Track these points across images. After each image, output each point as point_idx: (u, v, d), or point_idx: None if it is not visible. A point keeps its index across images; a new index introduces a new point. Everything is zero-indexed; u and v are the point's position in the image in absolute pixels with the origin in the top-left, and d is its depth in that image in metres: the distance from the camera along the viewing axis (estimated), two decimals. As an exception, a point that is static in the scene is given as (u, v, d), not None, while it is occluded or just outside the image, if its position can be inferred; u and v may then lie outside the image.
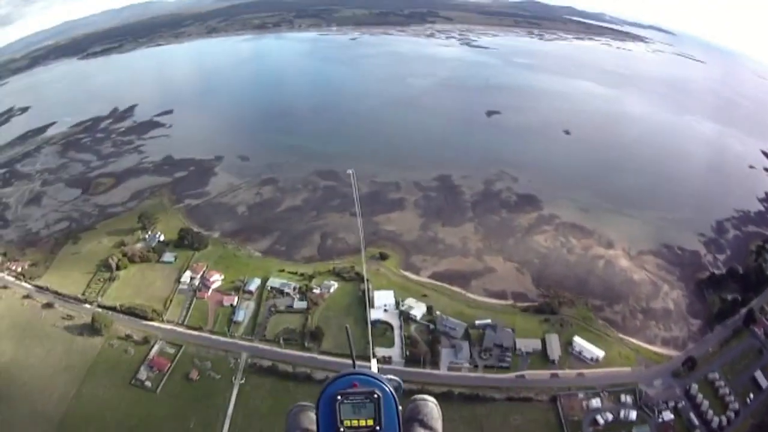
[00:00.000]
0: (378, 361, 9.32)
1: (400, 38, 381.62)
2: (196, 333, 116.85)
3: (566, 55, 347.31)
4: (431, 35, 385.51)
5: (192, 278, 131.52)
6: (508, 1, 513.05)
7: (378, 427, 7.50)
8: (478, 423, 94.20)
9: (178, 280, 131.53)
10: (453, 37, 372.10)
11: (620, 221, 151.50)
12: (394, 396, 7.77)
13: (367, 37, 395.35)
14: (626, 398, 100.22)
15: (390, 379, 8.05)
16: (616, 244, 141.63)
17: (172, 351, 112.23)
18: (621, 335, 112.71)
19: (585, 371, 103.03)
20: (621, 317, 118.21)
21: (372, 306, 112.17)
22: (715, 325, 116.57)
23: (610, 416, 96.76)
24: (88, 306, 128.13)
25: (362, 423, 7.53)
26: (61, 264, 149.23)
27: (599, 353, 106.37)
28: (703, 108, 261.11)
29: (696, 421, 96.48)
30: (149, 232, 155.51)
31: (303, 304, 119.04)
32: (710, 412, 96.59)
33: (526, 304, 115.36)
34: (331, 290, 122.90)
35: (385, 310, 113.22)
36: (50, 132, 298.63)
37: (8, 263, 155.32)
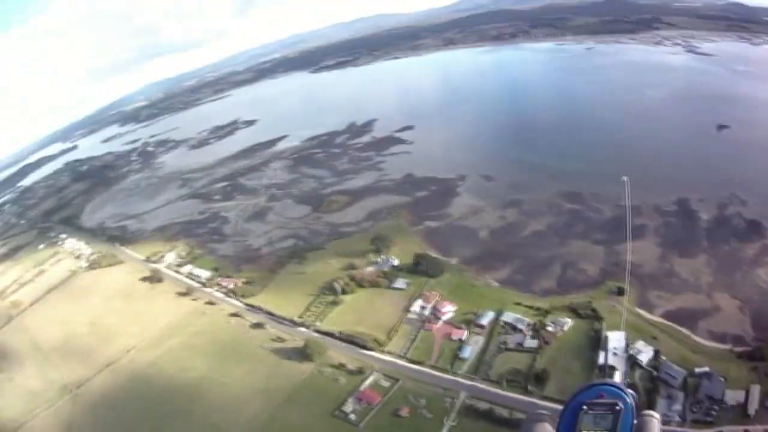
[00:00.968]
0: None
1: (631, 47, 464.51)
2: (416, 367, 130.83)
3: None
4: (659, 42, 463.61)
5: (422, 308, 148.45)
6: (716, 3, 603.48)
7: None
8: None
9: (407, 309, 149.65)
10: (678, 44, 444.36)
11: None
12: (633, 410, 10.22)
13: (602, 47, 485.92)
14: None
15: (632, 394, 10.54)
16: None
17: (386, 384, 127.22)
18: None
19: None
20: None
21: (603, 348, 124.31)
22: None
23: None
24: (303, 329, 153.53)
25: None
26: (281, 284, 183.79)
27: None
28: None
29: None
30: (382, 256, 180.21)
31: (534, 343, 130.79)
32: None
33: (741, 348, 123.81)
34: (565, 328, 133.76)
35: (615, 354, 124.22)
36: (280, 146, 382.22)
37: (219, 279, 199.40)
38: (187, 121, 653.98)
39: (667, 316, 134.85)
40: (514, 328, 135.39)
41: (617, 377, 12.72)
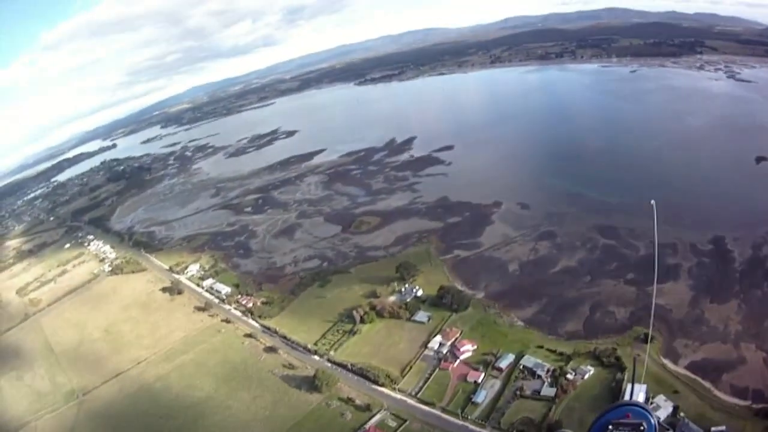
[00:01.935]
0: None
1: (675, 71, 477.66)
2: (426, 408, 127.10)
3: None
4: (701, 67, 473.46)
5: (441, 344, 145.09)
6: (755, 28, 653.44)
7: None
8: None
9: (425, 345, 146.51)
10: (720, 69, 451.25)
11: None
12: (656, 431, 11.39)
13: (645, 70, 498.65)
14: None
15: (657, 416, 11.71)
16: None
17: (393, 424, 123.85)
18: None
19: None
20: None
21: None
22: None
23: None
24: (316, 358, 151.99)
25: None
26: (300, 307, 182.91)
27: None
28: None
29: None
30: (406, 285, 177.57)
31: (552, 391, 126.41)
32: None
33: (760, 405, 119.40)
34: (586, 377, 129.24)
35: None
36: (317, 160, 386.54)
37: (239, 297, 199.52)
38: (228, 128, 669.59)
39: (691, 367, 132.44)
40: (533, 374, 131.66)
41: (641, 398, 14.32)
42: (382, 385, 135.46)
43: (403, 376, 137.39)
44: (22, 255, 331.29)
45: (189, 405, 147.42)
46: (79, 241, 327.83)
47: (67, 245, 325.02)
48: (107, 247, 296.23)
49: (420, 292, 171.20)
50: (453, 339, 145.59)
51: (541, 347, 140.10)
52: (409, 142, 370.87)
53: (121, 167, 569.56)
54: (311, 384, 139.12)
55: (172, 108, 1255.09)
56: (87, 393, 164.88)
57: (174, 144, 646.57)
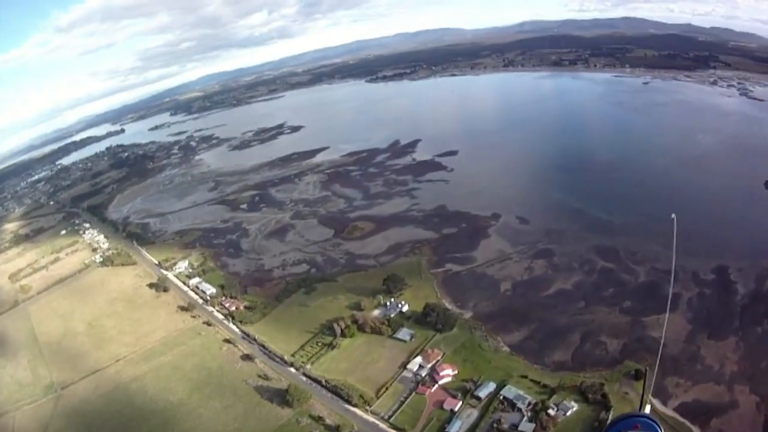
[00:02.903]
0: None
1: (687, 84, 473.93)
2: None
3: None
4: (714, 83, 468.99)
5: (421, 366, 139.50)
6: None
7: None
8: None
9: (404, 365, 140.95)
10: (732, 86, 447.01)
11: None
12: None
13: (658, 82, 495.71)
14: None
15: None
16: None
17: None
18: None
19: None
20: None
21: None
22: None
23: None
24: (292, 370, 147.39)
25: None
26: (283, 315, 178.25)
27: None
28: None
29: None
30: (392, 299, 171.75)
31: (530, 427, 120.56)
32: None
33: None
34: (568, 413, 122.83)
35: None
36: (319, 158, 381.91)
37: (223, 299, 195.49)
38: (236, 119, 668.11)
39: (680, 409, 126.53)
40: (513, 406, 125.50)
41: (648, 410, 15.21)
42: (355, 406, 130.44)
43: (378, 398, 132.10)
44: (18, 239, 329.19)
45: (161, 409, 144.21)
46: (75, 228, 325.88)
47: (63, 232, 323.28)
48: (101, 237, 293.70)
49: (406, 308, 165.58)
50: (434, 362, 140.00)
51: (525, 377, 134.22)
52: (413, 144, 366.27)
53: (126, 154, 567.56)
54: (283, 398, 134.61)
55: (183, 95, 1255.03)
56: (65, 387, 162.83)
57: (180, 133, 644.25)
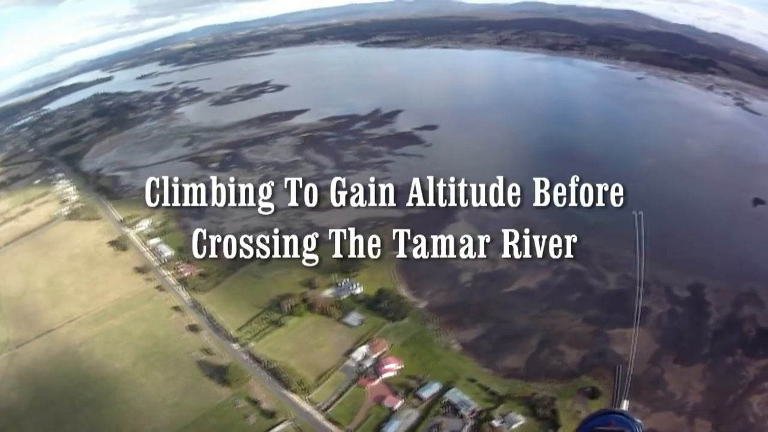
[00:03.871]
0: None
1: (682, 86, 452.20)
2: (332, 429, 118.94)
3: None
4: (710, 88, 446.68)
5: (365, 356, 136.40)
6: None
7: None
8: None
9: (348, 353, 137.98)
10: (729, 95, 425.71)
11: None
12: None
13: (653, 79, 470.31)
14: None
15: (640, 424, 13.20)
16: None
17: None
18: None
19: None
20: None
21: None
22: None
23: None
24: (236, 347, 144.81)
25: None
26: (234, 285, 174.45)
27: None
28: None
29: None
30: (347, 279, 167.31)
31: None
32: None
33: None
34: (513, 427, 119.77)
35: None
36: (297, 120, 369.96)
37: (179, 263, 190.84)
38: (222, 73, 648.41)
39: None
40: (456, 412, 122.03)
41: (625, 406, 15.75)
42: (293, 392, 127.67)
43: (318, 386, 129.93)
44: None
45: (106, 376, 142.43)
46: (48, 178, 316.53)
47: (37, 181, 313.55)
48: (71, 189, 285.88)
49: (359, 290, 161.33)
50: (379, 353, 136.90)
51: (473, 381, 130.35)
52: (394, 114, 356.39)
53: (110, 102, 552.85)
54: (223, 376, 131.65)
55: (175, 46, 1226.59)
56: (20, 346, 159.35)
57: (166, 84, 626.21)
